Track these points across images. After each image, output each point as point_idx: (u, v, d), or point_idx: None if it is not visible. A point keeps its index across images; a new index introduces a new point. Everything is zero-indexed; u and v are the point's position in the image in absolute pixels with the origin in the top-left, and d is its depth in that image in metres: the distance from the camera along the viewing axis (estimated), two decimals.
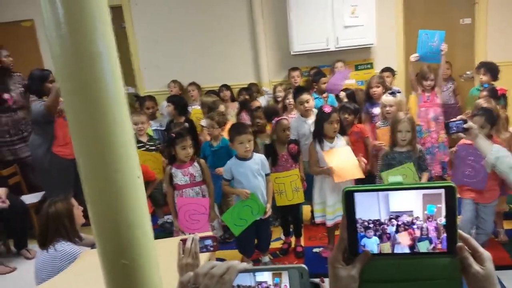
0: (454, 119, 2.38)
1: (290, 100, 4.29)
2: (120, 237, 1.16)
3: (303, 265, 0.81)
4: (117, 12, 5.86)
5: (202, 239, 1.73)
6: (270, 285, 0.81)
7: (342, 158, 3.25)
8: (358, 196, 0.76)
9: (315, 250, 3.70)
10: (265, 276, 0.82)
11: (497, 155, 2.20)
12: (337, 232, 3.60)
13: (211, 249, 1.80)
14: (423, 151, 3.36)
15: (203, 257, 2.19)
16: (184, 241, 1.68)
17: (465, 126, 2.29)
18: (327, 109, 3.35)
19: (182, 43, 5.90)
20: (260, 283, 0.81)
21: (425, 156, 3.37)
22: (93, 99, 1.07)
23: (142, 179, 1.21)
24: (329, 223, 3.43)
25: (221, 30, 5.84)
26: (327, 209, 3.40)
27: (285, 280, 0.80)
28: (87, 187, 1.14)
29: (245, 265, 0.80)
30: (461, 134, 2.34)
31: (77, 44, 1.03)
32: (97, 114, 1.09)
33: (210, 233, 2.49)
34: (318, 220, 3.52)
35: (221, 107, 4.31)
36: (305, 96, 3.84)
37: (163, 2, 5.85)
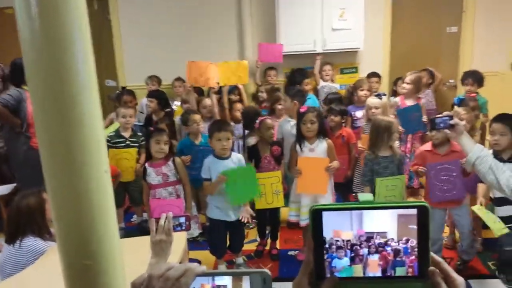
0: (440, 115, 2.37)
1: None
2: (82, 234, 1.10)
3: (266, 270, 0.76)
4: (102, 4, 5.76)
5: (176, 217, 1.75)
6: None
7: (314, 170, 3.23)
8: (326, 215, 0.70)
9: (290, 253, 3.66)
10: (226, 280, 0.76)
11: (478, 154, 2.19)
12: None
13: (184, 227, 1.84)
14: (402, 155, 3.38)
15: (176, 256, 2.15)
16: (157, 220, 1.69)
17: (451, 122, 2.28)
18: (302, 110, 3.39)
19: (167, 38, 5.81)
20: (218, 287, 0.76)
21: (404, 160, 3.38)
22: (62, 88, 1.01)
23: (109, 173, 1.16)
24: (303, 223, 3.42)
25: (208, 28, 5.78)
26: (302, 209, 3.38)
27: (245, 285, 0.75)
28: (49, 178, 1.08)
29: (204, 268, 0.75)
30: (447, 131, 2.33)
31: (48, 27, 0.97)
32: (65, 104, 1.02)
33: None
34: (292, 219, 3.50)
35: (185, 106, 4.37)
36: None
37: None
